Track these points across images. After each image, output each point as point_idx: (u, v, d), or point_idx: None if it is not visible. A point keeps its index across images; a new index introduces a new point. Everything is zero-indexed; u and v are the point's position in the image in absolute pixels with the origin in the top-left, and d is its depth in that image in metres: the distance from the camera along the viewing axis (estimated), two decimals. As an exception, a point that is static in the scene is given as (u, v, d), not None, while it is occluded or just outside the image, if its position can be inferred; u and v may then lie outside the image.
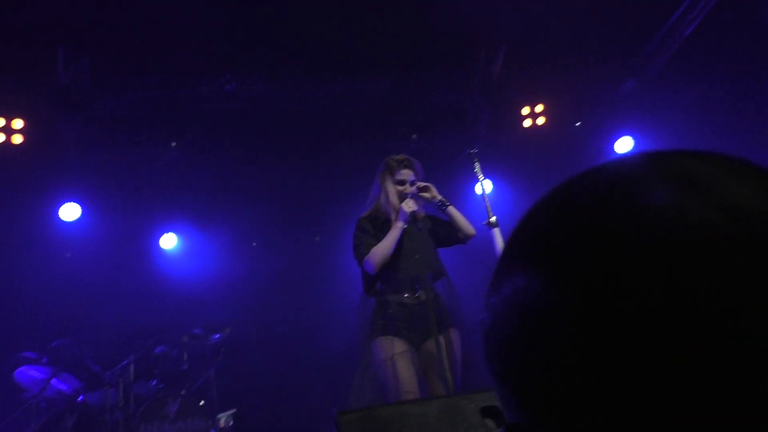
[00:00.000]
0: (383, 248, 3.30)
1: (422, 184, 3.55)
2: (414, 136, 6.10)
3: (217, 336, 5.42)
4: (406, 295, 3.30)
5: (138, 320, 5.51)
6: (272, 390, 6.10)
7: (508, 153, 5.99)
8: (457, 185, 6.30)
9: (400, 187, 3.51)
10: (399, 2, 4.98)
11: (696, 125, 5.65)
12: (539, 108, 6.05)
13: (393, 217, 3.44)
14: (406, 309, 3.28)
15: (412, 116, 6.10)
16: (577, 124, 6.02)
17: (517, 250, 0.46)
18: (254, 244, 6.77)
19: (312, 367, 6.24)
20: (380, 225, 3.47)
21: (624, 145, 6.25)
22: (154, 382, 5.18)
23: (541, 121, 6.05)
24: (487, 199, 3.61)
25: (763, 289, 0.36)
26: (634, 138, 6.24)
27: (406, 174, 3.55)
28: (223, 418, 5.20)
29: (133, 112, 5.69)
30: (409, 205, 3.38)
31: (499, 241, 3.46)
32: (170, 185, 6.19)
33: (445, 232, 3.64)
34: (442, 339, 3.13)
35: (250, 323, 6.10)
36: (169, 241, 6.37)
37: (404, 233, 3.38)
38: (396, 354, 3.14)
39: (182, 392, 5.01)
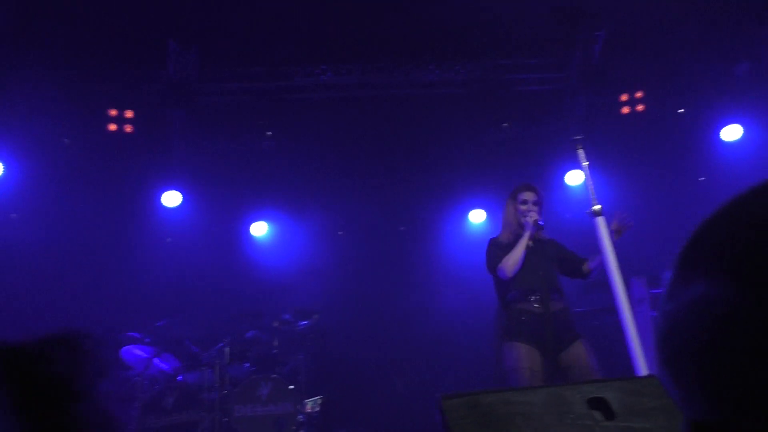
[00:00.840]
0: (513, 255, 3.74)
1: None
2: (505, 124, 5.98)
3: (306, 322, 5.53)
4: (536, 305, 3.68)
5: (233, 304, 5.72)
6: (359, 377, 6.17)
7: (606, 140, 5.75)
8: (552, 173, 6.12)
9: (522, 207, 3.89)
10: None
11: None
12: (639, 94, 5.78)
13: (518, 234, 3.85)
14: (536, 318, 3.63)
15: (505, 102, 6.00)
16: (680, 111, 5.70)
17: (696, 260, 0.48)
18: (340, 232, 6.86)
19: (399, 356, 6.26)
20: (507, 246, 3.86)
21: (732, 132, 5.85)
22: (247, 365, 5.35)
23: (640, 107, 5.78)
24: (591, 187, 3.49)
25: None
26: (744, 125, 5.83)
27: (528, 195, 3.93)
28: (310, 403, 5.31)
29: (234, 103, 5.92)
30: (532, 217, 3.79)
31: (603, 230, 3.33)
32: (266, 174, 6.38)
33: (570, 263, 3.98)
34: (578, 348, 3.59)
35: (337, 310, 6.18)
36: (260, 229, 6.55)
37: (531, 251, 3.78)
38: (522, 358, 3.54)
39: (273, 376, 5.14)
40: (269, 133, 6.13)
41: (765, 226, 0.44)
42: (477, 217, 6.60)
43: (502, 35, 5.49)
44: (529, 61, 5.80)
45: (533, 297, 3.67)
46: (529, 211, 3.84)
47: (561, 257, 3.96)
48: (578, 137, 3.66)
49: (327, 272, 6.46)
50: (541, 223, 3.83)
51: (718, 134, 5.92)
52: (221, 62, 5.68)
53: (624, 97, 5.81)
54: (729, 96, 5.83)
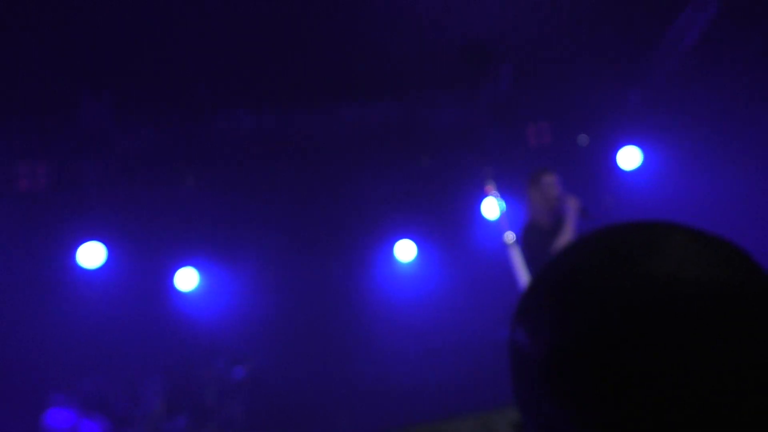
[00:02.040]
0: (565, 237, 3.59)
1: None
2: (424, 158, 6.19)
3: (240, 369, 5.46)
4: None
5: (163, 357, 5.56)
6: (300, 420, 6.08)
7: (518, 172, 6.04)
8: (468, 205, 6.36)
9: (549, 190, 3.81)
10: (403, 24, 5.09)
11: (700, 134, 5.73)
12: (543, 126, 6.13)
13: (551, 217, 3.74)
14: None
15: (421, 138, 6.19)
16: (582, 137, 6.09)
17: (517, 310, 0.59)
18: (272, 275, 6.80)
19: (340, 396, 6.22)
20: (548, 232, 3.73)
21: (628, 155, 6.29)
22: (181, 418, 5.21)
23: (547, 137, 6.12)
24: (503, 217, 3.68)
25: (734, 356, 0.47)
26: (641, 148, 6.30)
27: (551, 180, 3.86)
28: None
29: (153, 150, 5.83)
30: (575, 202, 3.71)
31: (515, 259, 3.52)
32: (190, 221, 6.28)
33: None
34: None
35: (272, 355, 6.11)
36: (189, 277, 6.42)
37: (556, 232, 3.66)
38: None
39: (210, 427, 5.03)
40: (191, 179, 6.06)
41: (555, 286, 0.55)
42: (404, 248, 6.74)
43: (414, 74, 5.69)
44: (440, 97, 6.04)
45: None
46: (564, 196, 3.75)
47: None
48: (488, 170, 3.88)
49: (259, 317, 6.37)
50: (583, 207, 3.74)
51: (617, 161, 6.36)
52: (138, 108, 5.56)
53: (531, 129, 6.14)
54: (624, 122, 6.30)
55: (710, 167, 6.02)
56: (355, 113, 5.90)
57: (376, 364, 6.22)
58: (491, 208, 5.59)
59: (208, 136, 5.89)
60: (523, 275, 3.57)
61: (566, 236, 3.57)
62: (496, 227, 3.76)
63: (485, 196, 3.87)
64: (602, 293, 0.51)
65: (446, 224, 6.57)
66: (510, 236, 3.59)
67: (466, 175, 6.09)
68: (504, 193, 5.92)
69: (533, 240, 3.68)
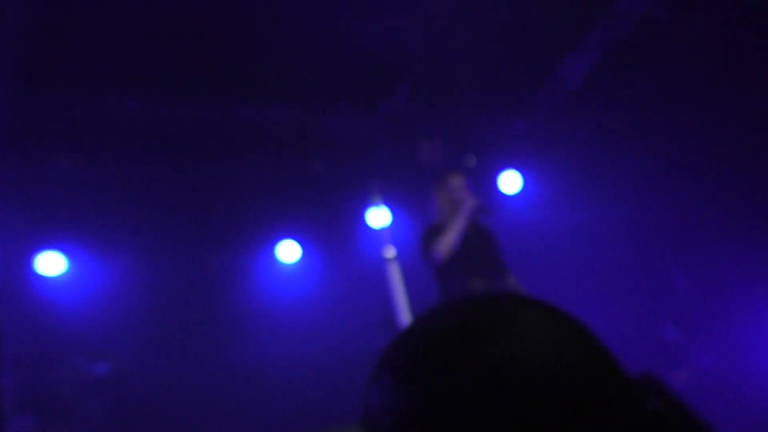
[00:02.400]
0: (448, 237, 3.52)
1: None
2: (317, 164, 6.19)
3: (103, 366, 5.17)
4: (477, 285, 3.47)
5: (16, 348, 5.12)
6: (163, 427, 5.83)
7: (407, 186, 6.20)
8: (356, 215, 6.43)
9: (455, 192, 3.79)
10: (308, 32, 5.06)
11: (576, 168, 6.19)
12: (436, 143, 6.33)
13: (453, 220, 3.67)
14: None
15: (317, 143, 6.18)
16: (469, 159, 6.37)
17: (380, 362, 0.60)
18: (149, 269, 6.48)
19: (208, 405, 6.01)
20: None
21: (509, 180, 6.65)
22: (30, 416, 4.84)
23: (437, 155, 6.32)
24: (386, 232, 3.74)
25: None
26: (522, 174, 6.70)
27: (458, 180, 3.87)
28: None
29: (30, 127, 5.37)
30: (471, 201, 3.65)
31: (395, 275, 3.60)
32: (62, 205, 5.84)
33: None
34: None
35: (144, 355, 5.82)
36: (53, 262, 5.97)
37: (472, 234, 3.60)
38: None
39: (62, 428, 4.72)
40: (65, 159, 5.65)
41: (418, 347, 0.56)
42: (287, 249, 6.67)
43: (315, 81, 5.67)
44: (338, 107, 6.07)
45: (478, 282, 3.48)
46: (465, 196, 3.73)
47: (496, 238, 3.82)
48: (376, 182, 3.95)
49: (130, 311, 6.05)
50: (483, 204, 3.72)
51: (500, 185, 6.71)
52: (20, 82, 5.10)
53: (422, 146, 6.32)
54: (509, 150, 6.66)
55: (583, 199, 6.52)
56: (250, 112, 5.78)
57: (252, 368, 6.09)
58: (376, 219, 5.65)
59: (90, 117, 5.51)
60: (398, 289, 3.63)
61: (447, 236, 3.53)
62: (379, 239, 3.79)
63: (371, 206, 3.89)
64: (447, 370, 0.52)
65: (332, 230, 6.60)
66: (390, 250, 3.65)
67: (356, 185, 6.15)
68: (391, 207, 6.07)
69: (428, 239, 3.66)
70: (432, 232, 3.71)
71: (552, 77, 6.18)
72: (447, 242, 3.49)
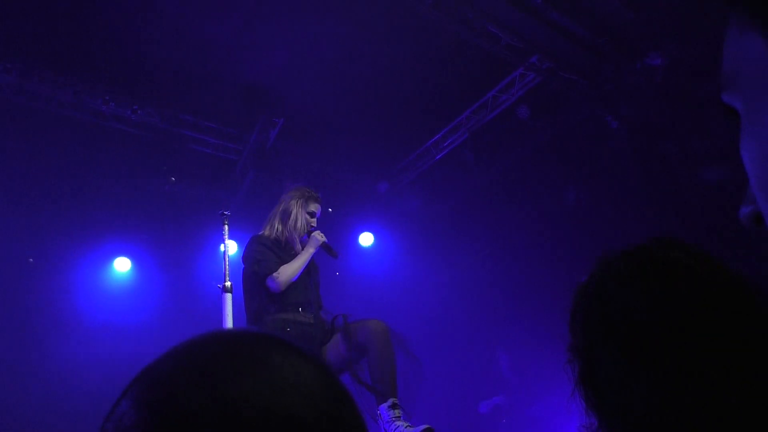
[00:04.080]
0: (293, 270, 3.42)
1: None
2: (173, 179, 5.91)
3: None
4: (303, 315, 3.41)
5: None
6: None
7: (261, 220, 6.11)
8: (203, 239, 6.20)
9: (311, 219, 3.70)
10: (196, 42, 4.92)
11: (423, 234, 6.50)
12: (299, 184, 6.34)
13: (297, 242, 3.62)
14: (302, 327, 3.37)
15: (178, 156, 5.93)
16: (329, 210, 6.43)
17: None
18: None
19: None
20: (282, 247, 3.56)
21: (366, 239, 6.87)
22: None
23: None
24: (227, 263, 3.62)
25: None
26: (375, 234, 6.91)
27: (317, 208, 3.77)
28: None
29: None
30: (322, 236, 3.59)
31: (228, 306, 3.48)
32: None
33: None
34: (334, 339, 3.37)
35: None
36: None
37: (308, 267, 3.53)
38: None
39: None
40: None
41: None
42: (122, 265, 6.26)
43: (190, 91, 5.51)
44: (210, 124, 5.92)
45: (303, 308, 3.42)
46: (314, 228, 3.64)
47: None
48: (226, 213, 3.81)
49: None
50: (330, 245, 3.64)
51: (357, 238, 6.90)
52: None
53: (286, 184, 6.30)
54: (369, 208, 6.86)
55: (425, 261, 6.83)
56: (111, 106, 5.44)
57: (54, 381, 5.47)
58: (223, 249, 5.50)
59: None
60: (229, 321, 3.51)
61: (292, 268, 3.42)
62: (222, 268, 3.64)
63: (220, 234, 3.73)
64: (184, 406, 0.52)
65: (174, 249, 6.29)
66: (228, 283, 3.53)
67: (210, 209, 5.95)
68: (238, 238, 5.93)
69: (260, 255, 3.47)
70: (266, 244, 3.55)
71: (421, 148, 6.53)
72: (289, 274, 3.41)
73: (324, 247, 3.64)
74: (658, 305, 0.89)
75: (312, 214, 3.74)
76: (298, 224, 3.65)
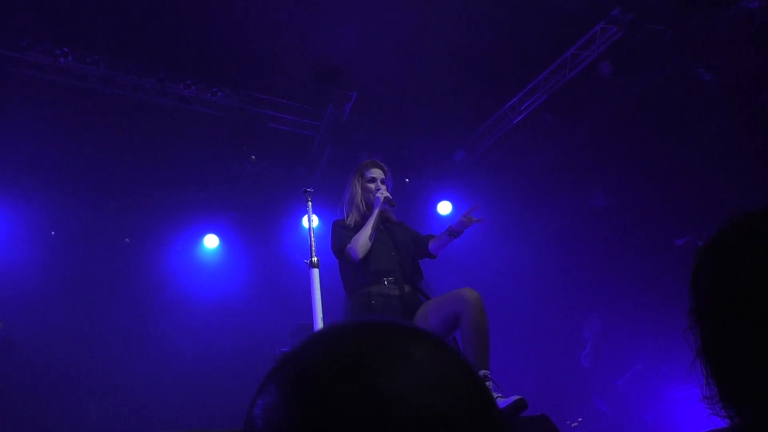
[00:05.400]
0: (363, 234, 3.37)
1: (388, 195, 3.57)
2: (253, 157, 6.07)
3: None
4: (391, 288, 3.33)
5: None
6: (48, 393, 5.51)
7: (341, 193, 6.18)
8: (285, 216, 6.35)
9: (370, 185, 3.61)
10: (264, 27, 4.99)
11: (501, 203, 6.37)
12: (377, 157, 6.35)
13: (367, 215, 3.53)
14: (386, 299, 3.30)
15: (256, 136, 6.07)
16: (406, 180, 6.43)
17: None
18: (53, 233, 6.15)
19: (95, 375, 5.74)
20: (355, 227, 3.51)
21: (444, 208, 6.81)
22: None
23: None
24: (312, 238, 3.67)
25: None
26: (454, 203, 6.84)
27: (377, 173, 3.65)
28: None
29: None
30: (383, 193, 3.48)
31: (316, 281, 3.54)
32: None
33: (419, 244, 3.69)
34: (421, 310, 3.25)
35: (32, 318, 5.48)
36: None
37: (382, 231, 3.47)
38: None
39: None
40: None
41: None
42: (211, 242, 6.54)
43: (265, 72, 5.60)
44: (286, 102, 6.00)
45: (387, 279, 3.34)
46: (378, 188, 3.58)
47: (414, 237, 3.70)
48: (309, 190, 3.85)
49: (25, 273, 5.70)
50: (389, 211, 3.58)
51: (435, 208, 6.85)
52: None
53: (363, 157, 6.33)
54: (446, 177, 6.80)
55: (506, 233, 6.72)
56: (193, 90, 5.62)
57: (160, 358, 5.84)
58: (307, 225, 5.63)
59: (16, 64, 5.19)
60: (317, 298, 3.56)
61: (365, 228, 3.41)
62: (307, 245, 3.70)
63: (304, 212, 3.78)
64: (334, 401, 0.51)
65: (259, 226, 6.48)
66: (314, 259, 3.58)
67: (293, 185, 6.09)
68: (321, 213, 6.03)
69: (340, 235, 3.52)
70: (343, 224, 3.59)
71: (497, 114, 6.37)
72: (362, 242, 3.38)
73: (386, 201, 3.55)
74: None
75: (372, 180, 3.66)
76: (359, 199, 3.63)
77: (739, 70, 4.99)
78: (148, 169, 6.02)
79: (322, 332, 0.60)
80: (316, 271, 3.56)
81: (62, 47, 5.16)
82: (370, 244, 3.40)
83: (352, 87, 5.71)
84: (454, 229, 3.57)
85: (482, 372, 2.95)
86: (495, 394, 2.84)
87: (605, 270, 5.93)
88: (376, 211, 3.46)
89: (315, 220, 6.09)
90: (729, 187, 4.75)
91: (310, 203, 3.80)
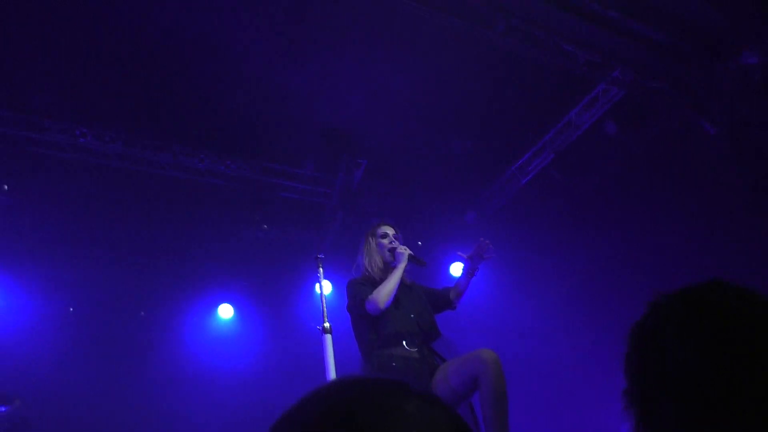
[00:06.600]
0: (388, 287, 3.30)
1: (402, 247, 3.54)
2: (265, 226, 6.15)
3: (3, 408, 4.79)
4: (412, 350, 3.26)
5: None
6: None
7: (353, 259, 6.20)
8: (299, 283, 6.36)
9: (384, 240, 3.62)
10: (273, 96, 5.15)
11: (516, 261, 6.33)
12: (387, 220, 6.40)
13: (383, 271, 3.51)
14: (407, 362, 3.23)
15: (268, 205, 6.16)
16: (419, 243, 6.44)
17: None
18: (71, 309, 6.20)
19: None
20: (373, 285, 3.45)
21: (457, 268, 6.79)
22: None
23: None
24: (324, 304, 3.66)
25: None
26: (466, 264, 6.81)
27: (388, 230, 3.69)
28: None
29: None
30: (406, 249, 3.44)
31: (329, 347, 3.50)
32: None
33: (438, 296, 3.68)
34: (439, 375, 3.17)
35: (47, 398, 5.44)
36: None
37: (401, 291, 3.39)
38: None
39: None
40: (5, 186, 5.47)
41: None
42: (225, 312, 6.54)
43: (276, 141, 5.73)
44: (297, 171, 6.12)
45: (407, 341, 3.27)
46: (392, 242, 3.58)
47: (429, 294, 3.67)
48: (320, 256, 3.87)
49: (43, 350, 5.72)
50: (406, 275, 3.47)
51: (448, 270, 6.84)
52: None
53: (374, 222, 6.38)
54: (458, 238, 6.79)
55: (522, 290, 6.65)
56: (206, 163, 5.76)
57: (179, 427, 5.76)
58: (319, 291, 5.62)
59: (38, 144, 5.37)
60: (330, 361, 3.50)
61: (389, 281, 3.34)
62: (319, 311, 3.68)
63: (316, 278, 3.78)
64: None
65: (272, 294, 6.49)
66: (327, 324, 3.56)
67: (303, 253, 6.12)
68: (333, 278, 6.02)
69: (358, 291, 3.46)
70: (360, 282, 3.52)
71: (506, 174, 6.44)
72: (385, 294, 3.29)
73: (411, 259, 3.52)
74: (713, 358, 0.86)
75: (384, 235, 3.68)
76: (377, 257, 3.62)
77: (744, 122, 5.03)
78: (164, 241, 6.12)
79: (318, 390, 0.62)
80: (329, 337, 3.52)
81: (81, 127, 5.36)
82: (393, 295, 3.33)
83: (362, 154, 5.81)
84: (472, 259, 3.59)
85: (501, 436, 2.86)
86: (515, 460, 2.74)
87: (625, 322, 5.80)
88: (401, 267, 3.40)
89: (328, 286, 6.13)
90: (742, 233, 4.72)
91: (321, 269, 3.81)
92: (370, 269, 3.61)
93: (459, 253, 3.76)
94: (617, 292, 5.97)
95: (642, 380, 0.94)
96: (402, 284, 3.53)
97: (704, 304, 0.93)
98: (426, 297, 3.66)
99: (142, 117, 5.38)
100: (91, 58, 4.72)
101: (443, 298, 3.71)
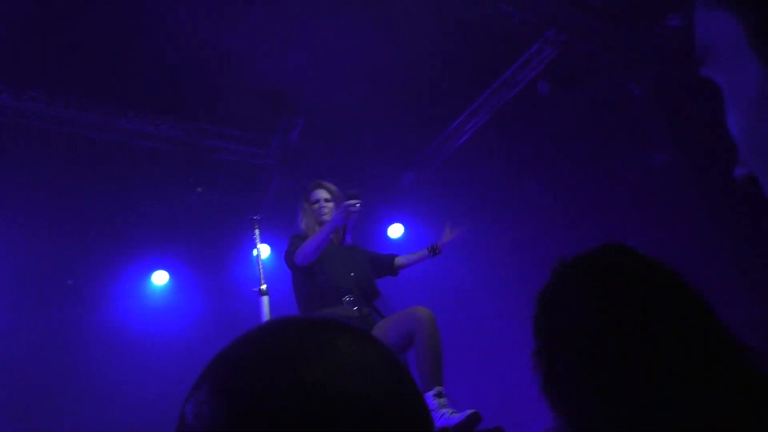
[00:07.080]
0: (313, 241, 3.40)
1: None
2: (199, 189, 5.99)
3: None
4: (352, 309, 3.39)
5: None
6: None
7: (290, 222, 6.16)
8: (236, 246, 6.27)
9: (315, 206, 3.77)
10: (208, 55, 4.96)
11: (453, 221, 6.42)
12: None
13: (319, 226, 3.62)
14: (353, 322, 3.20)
15: (203, 167, 6.00)
16: (357, 205, 6.44)
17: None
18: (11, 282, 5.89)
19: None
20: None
21: (395, 230, 6.86)
22: None
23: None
24: (261, 267, 3.66)
25: None
26: (405, 225, 6.90)
27: (321, 194, 3.82)
28: None
29: None
30: (338, 212, 3.48)
31: (266, 309, 3.52)
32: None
33: (381, 261, 3.84)
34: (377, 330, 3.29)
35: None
36: None
37: (338, 253, 3.56)
38: None
39: None
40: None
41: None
42: (160, 278, 6.38)
43: (210, 101, 5.55)
44: (232, 131, 5.96)
45: (346, 299, 3.40)
46: (322, 208, 3.72)
47: (372, 257, 3.81)
48: (256, 217, 3.86)
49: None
50: (342, 230, 3.59)
51: (386, 231, 6.89)
52: None
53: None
54: (396, 199, 6.86)
55: (459, 249, 6.78)
56: (135, 124, 5.52)
57: (94, 400, 5.61)
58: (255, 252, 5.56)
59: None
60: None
61: (308, 242, 3.44)
62: (255, 272, 3.68)
63: (251, 241, 3.78)
64: (260, 391, 0.54)
65: (209, 258, 6.38)
66: (263, 287, 3.56)
67: (242, 215, 6.02)
68: (270, 241, 5.96)
69: (294, 244, 3.60)
70: (300, 237, 3.68)
71: (443, 134, 6.49)
72: (308, 242, 3.44)
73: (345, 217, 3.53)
74: (604, 314, 0.94)
75: (315, 201, 3.81)
76: (311, 221, 3.76)
77: (667, 84, 5.23)
78: (92, 207, 5.86)
79: (252, 331, 0.63)
80: (266, 299, 3.57)
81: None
82: (321, 248, 3.42)
83: (300, 114, 5.71)
84: (438, 247, 3.72)
85: (436, 388, 2.97)
86: (449, 410, 2.85)
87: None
88: (330, 222, 3.48)
89: (266, 249, 6.07)
90: (667, 189, 4.96)
91: (257, 231, 3.80)
92: (306, 231, 3.74)
93: (434, 245, 3.87)
94: (552, 250, 6.18)
95: (547, 340, 1.01)
96: (342, 246, 3.69)
97: (599, 266, 1.02)
98: (368, 260, 3.78)
99: (65, 75, 5.08)
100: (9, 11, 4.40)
101: (387, 263, 3.86)
